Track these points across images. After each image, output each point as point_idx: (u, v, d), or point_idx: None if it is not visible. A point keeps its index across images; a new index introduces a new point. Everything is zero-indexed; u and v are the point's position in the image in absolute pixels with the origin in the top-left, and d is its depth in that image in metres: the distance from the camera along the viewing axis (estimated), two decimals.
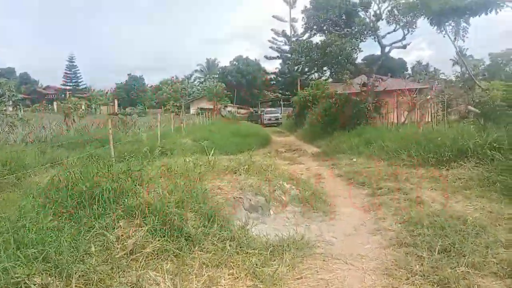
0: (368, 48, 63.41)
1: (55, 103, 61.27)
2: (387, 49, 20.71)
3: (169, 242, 4.08)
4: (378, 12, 20.30)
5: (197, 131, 23.33)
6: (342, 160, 12.09)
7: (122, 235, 3.99)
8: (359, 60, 22.71)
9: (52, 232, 3.86)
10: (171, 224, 4.25)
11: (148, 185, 5.53)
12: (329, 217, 5.92)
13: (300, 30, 44.03)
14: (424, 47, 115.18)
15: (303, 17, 21.01)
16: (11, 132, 19.80)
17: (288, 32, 55.42)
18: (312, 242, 4.80)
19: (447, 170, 8.64)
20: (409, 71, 78.68)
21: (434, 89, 20.12)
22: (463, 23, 13.57)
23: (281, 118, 45.81)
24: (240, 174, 7.45)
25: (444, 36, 13.99)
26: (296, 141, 25.63)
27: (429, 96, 16.00)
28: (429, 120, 15.84)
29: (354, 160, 11.94)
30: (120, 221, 4.31)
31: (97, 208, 4.52)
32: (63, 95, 69.53)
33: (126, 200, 4.68)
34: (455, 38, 13.65)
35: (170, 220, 4.28)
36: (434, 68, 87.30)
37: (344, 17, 20.44)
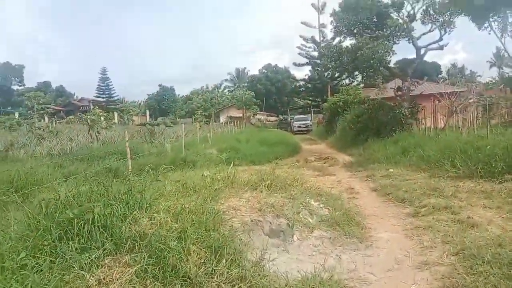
0: (402, 51, 61.31)
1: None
2: (422, 51, 19.48)
3: (162, 286, 3.30)
4: (411, 12, 19.12)
5: (224, 140, 22.70)
6: (377, 171, 11.03)
7: (104, 278, 3.24)
8: (391, 64, 21.44)
9: (19, 274, 3.17)
10: (166, 262, 3.47)
11: (151, 209, 4.80)
12: (364, 244, 4.98)
13: (329, 35, 42.80)
14: (459, 49, 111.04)
15: (332, 21, 20.05)
16: (38, 144, 19.88)
17: (317, 38, 54.20)
18: (343, 281, 3.90)
19: (500, 183, 7.52)
20: (444, 74, 75.88)
21: (472, 92, 18.69)
22: (511, 18, 12.27)
23: (311, 125, 44.69)
24: (261, 191, 6.62)
25: (489, 33, 12.73)
26: (326, 149, 24.54)
27: (471, 99, 14.66)
28: (470, 125, 14.53)
29: (391, 170, 10.86)
30: (107, 257, 3.57)
31: (85, 240, 3.80)
32: (96, 107, 71.14)
33: (118, 230, 3.94)
34: (502, 35, 12.38)
35: (166, 258, 3.49)
36: (470, 70, 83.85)
37: (375, 19, 19.36)
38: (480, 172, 8.15)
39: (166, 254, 3.52)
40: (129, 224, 4.16)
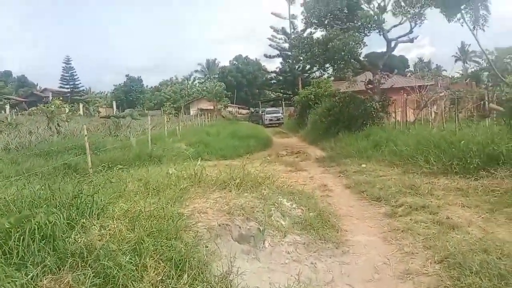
0: (372, 44, 61.80)
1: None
2: (393, 43, 19.41)
3: None
4: (382, 4, 18.99)
5: (193, 133, 22.08)
6: (349, 166, 10.78)
7: None
8: (362, 57, 21.33)
9: None
10: (116, 283, 2.96)
11: (104, 214, 4.25)
12: (341, 250, 4.61)
13: (300, 26, 42.67)
14: (425, 43, 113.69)
15: (302, 11, 19.69)
16: None
17: (287, 29, 53.94)
18: None
19: (475, 180, 7.35)
20: (411, 68, 77.40)
21: (439, 86, 18.91)
22: (483, 11, 12.22)
23: (282, 118, 44.48)
24: (230, 191, 6.16)
25: (461, 25, 12.64)
26: (298, 142, 24.32)
27: (442, 93, 14.67)
28: (440, 119, 14.53)
29: (364, 166, 10.63)
30: (47, 276, 3.02)
31: (23, 255, 3.23)
32: (60, 98, 68.48)
33: (62, 242, 3.38)
34: (474, 27, 12.31)
35: (115, 277, 2.98)
36: (436, 64, 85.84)
37: (346, 10, 19.10)
38: (455, 168, 7.98)
39: (116, 273, 3.00)
40: (76, 235, 3.61)
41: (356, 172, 9.81)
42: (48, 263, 3.12)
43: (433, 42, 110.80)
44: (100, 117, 25.02)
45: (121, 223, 4.14)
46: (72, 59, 70.75)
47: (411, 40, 19.57)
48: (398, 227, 5.22)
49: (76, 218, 3.95)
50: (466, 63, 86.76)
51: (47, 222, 3.51)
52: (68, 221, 3.82)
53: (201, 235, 4.47)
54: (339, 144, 15.62)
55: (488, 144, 7.79)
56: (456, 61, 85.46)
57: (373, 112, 17.41)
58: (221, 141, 19.24)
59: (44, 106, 15.37)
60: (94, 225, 3.88)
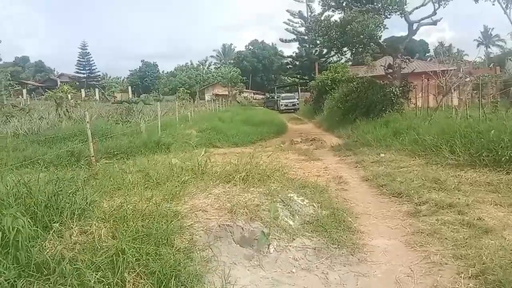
0: (392, 27, 59.81)
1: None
2: (415, 26, 18.38)
3: None
4: None
5: (206, 119, 21.55)
6: (367, 156, 10.11)
7: None
8: (381, 41, 20.33)
9: None
10: None
11: (85, 216, 3.75)
12: (357, 257, 4.02)
13: (317, 9, 41.43)
14: (446, 27, 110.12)
15: None
16: (5, 123, 18.45)
17: (304, 13, 52.58)
18: None
19: (507, 173, 6.63)
20: (431, 52, 75.16)
21: (462, 71, 17.90)
22: None
23: (298, 103, 43.62)
24: (236, 184, 5.61)
25: (493, 4, 11.70)
26: (314, 129, 23.63)
27: (468, 78, 13.76)
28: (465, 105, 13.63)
29: (382, 155, 9.95)
30: None
31: None
32: (77, 83, 68.74)
33: (26, 252, 2.88)
34: (506, 5, 11.35)
35: None
36: (457, 49, 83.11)
37: None
38: (484, 160, 7.25)
39: None
40: (49, 242, 3.11)
41: (374, 163, 9.15)
42: (9, 278, 2.62)
43: (453, 26, 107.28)
44: (113, 103, 24.63)
45: (104, 225, 3.64)
46: (88, 44, 70.83)
47: (435, 23, 18.51)
48: (423, 229, 4.59)
49: (54, 221, 3.47)
50: (489, 47, 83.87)
51: (11, 228, 3.01)
52: (44, 225, 3.34)
53: (197, 239, 3.95)
54: (357, 132, 14.89)
55: None
56: (478, 45, 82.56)
57: (393, 98, 16.55)
58: (234, 128, 18.69)
59: (52, 91, 14.98)
60: (72, 229, 3.38)
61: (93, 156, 8.97)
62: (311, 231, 4.55)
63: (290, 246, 4.15)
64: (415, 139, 10.23)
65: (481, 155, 7.41)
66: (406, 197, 5.94)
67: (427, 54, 70.03)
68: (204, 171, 6.28)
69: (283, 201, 5.17)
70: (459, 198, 5.66)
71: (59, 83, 56.96)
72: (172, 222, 4.08)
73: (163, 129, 15.31)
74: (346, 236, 4.45)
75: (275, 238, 4.22)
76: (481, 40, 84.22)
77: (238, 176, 5.75)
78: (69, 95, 16.13)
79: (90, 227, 3.51)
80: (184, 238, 3.91)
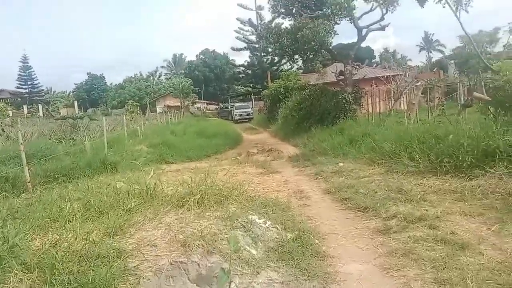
0: (340, 35, 61.04)
1: (9, 107, 56.83)
2: (364, 31, 18.60)
3: None
4: None
5: (157, 133, 20.63)
6: (326, 166, 9.83)
7: None
8: (331, 47, 20.45)
9: None
10: None
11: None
12: None
13: (267, 17, 41.63)
14: (389, 34, 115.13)
15: (269, 0, 18.57)
16: None
17: (254, 21, 52.67)
18: None
19: (470, 179, 6.50)
20: (377, 59, 78.05)
21: (407, 75, 18.38)
22: None
23: (252, 113, 43.40)
24: (189, 209, 5.03)
25: (443, 7, 11.91)
26: (269, 138, 23.36)
27: (419, 82, 13.97)
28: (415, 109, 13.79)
29: (341, 165, 9.70)
30: None
31: None
32: (18, 99, 64.78)
33: None
34: (456, 8, 11.60)
35: None
36: (401, 54, 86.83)
37: None
38: (445, 166, 7.11)
39: None
40: None
41: (334, 173, 8.86)
42: None
43: (397, 32, 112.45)
44: (56, 119, 23.12)
45: (27, 277, 2.95)
46: (30, 58, 67.09)
47: (383, 28, 18.81)
48: (396, 249, 4.23)
49: None
50: (431, 52, 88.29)
51: None
52: None
53: (145, 283, 3.34)
54: (312, 140, 14.71)
55: (482, 138, 6.95)
56: (420, 50, 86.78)
57: (345, 105, 16.56)
58: (187, 141, 17.98)
59: None
60: None
61: (29, 182, 8.03)
62: (277, 260, 4.06)
63: (255, 282, 3.64)
64: (372, 146, 10.08)
65: (442, 161, 7.27)
66: (372, 211, 5.61)
67: (373, 61, 72.59)
68: (154, 195, 5.63)
69: (243, 226, 4.65)
70: (427, 210, 5.40)
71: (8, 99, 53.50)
72: (114, 265, 3.45)
73: (110, 146, 14.32)
74: (316, 264, 4.00)
75: (237, 274, 3.69)
76: (422, 45, 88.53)
77: (192, 200, 5.17)
78: (10, 112, 14.74)
79: (7, 283, 2.81)
80: (129, 284, 3.29)
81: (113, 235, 4.22)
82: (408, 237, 4.54)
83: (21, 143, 8.13)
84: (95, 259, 3.52)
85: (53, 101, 58.26)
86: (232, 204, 5.49)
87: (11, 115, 51.51)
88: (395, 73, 18.93)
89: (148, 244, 3.98)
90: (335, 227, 5.25)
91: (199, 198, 5.23)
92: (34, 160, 10.51)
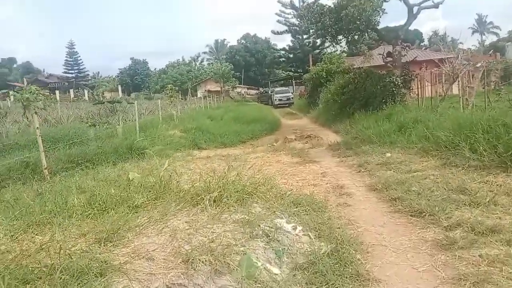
0: (390, 14, 58.07)
1: (57, 91, 58.73)
2: (415, 10, 16.92)
3: None
4: None
5: (194, 118, 20.08)
6: (371, 156, 8.72)
7: None
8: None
9: None
10: None
11: None
12: None
13: None
14: (438, 16, 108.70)
15: None
16: None
17: (296, 3, 50.90)
18: None
19: None
20: (426, 42, 74.10)
21: (460, 58, 16.59)
22: None
23: (292, 98, 42.10)
24: (204, 209, 4.20)
25: None
26: (309, 124, 22.23)
27: (479, 64, 12.38)
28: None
29: (389, 155, 8.57)
30: None
31: None
32: (66, 83, 66.90)
33: None
34: None
35: None
36: (452, 37, 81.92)
37: None
38: None
39: None
40: None
41: (380, 165, 7.75)
42: None
43: (446, 15, 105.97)
44: (94, 103, 23.11)
45: None
46: (76, 44, 68.88)
47: (436, 5, 17.01)
48: (465, 275, 3.19)
49: None
50: (484, 35, 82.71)
51: None
52: None
53: None
54: (356, 127, 13.48)
55: None
56: (473, 33, 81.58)
57: (393, 89, 15.13)
58: (223, 126, 17.23)
59: (18, 93, 13.50)
60: None
61: (45, 168, 7.53)
62: (306, 283, 3.14)
63: None
64: (425, 135, 8.85)
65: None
66: (429, 217, 4.53)
67: (421, 44, 68.96)
68: (166, 189, 4.85)
69: (267, 234, 3.76)
70: (500, 218, 4.27)
71: (27, 84, 55.28)
72: (94, 286, 2.68)
73: (143, 131, 13.87)
74: None
75: None
76: (476, 28, 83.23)
77: (208, 198, 4.33)
78: (42, 96, 14.59)
79: None
80: None
81: (106, 241, 3.47)
82: (479, 256, 3.47)
83: (37, 128, 7.61)
84: (72, 277, 2.76)
85: (98, 85, 59.40)
86: (257, 203, 4.61)
87: (58, 99, 53.20)
88: (447, 56, 17.23)
89: (143, 257, 3.18)
90: (382, 237, 4.24)
91: (216, 196, 4.38)
92: (59, 145, 10.14)
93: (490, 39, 73.05)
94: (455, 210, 4.62)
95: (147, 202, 4.52)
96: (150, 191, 4.86)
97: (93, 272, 2.84)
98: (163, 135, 13.71)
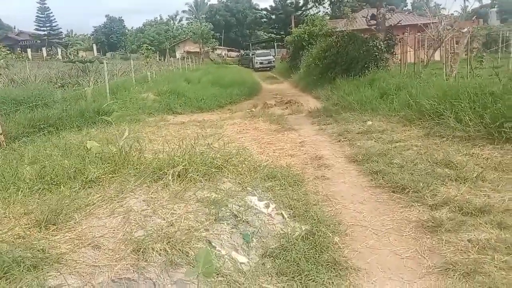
0: None
1: (28, 49, 56.01)
2: None
3: None
4: None
5: (170, 80, 19.23)
6: (351, 124, 8.35)
7: None
8: None
9: None
10: None
11: None
12: None
13: None
14: None
15: None
16: None
17: None
18: None
19: None
20: (409, 6, 73.17)
21: (443, 24, 16.16)
22: None
23: (274, 61, 41.09)
24: (166, 185, 3.75)
25: None
26: (290, 88, 21.68)
27: (465, 29, 11.94)
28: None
29: (370, 123, 8.22)
30: None
31: None
32: (38, 41, 63.75)
33: None
34: None
35: None
36: (435, 3, 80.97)
37: None
38: (505, 132, 5.57)
39: None
40: None
41: (361, 134, 7.40)
42: None
43: None
44: (64, 62, 21.92)
45: None
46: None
47: None
48: (454, 263, 2.87)
49: None
50: (467, 0, 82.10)
51: None
52: None
53: None
54: (337, 92, 13.04)
55: None
56: None
57: (376, 53, 14.66)
58: (201, 90, 16.51)
59: None
60: None
61: (1, 134, 6.89)
62: (276, 274, 2.77)
63: None
64: (408, 102, 8.51)
65: (501, 125, 5.72)
66: (413, 193, 4.19)
67: (405, 8, 68.01)
68: (127, 162, 4.36)
69: (235, 214, 3.34)
70: (488, 196, 3.97)
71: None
72: (26, 280, 2.24)
73: (114, 93, 13.12)
74: (333, 282, 2.69)
75: None
76: None
77: (171, 172, 3.87)
78: (29, 55, 13.54)
79: None
80: None
81: (48, 224, 3.00)
82: (468, 241, 3.16)
83: None
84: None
85: (72, 44, 56.77)
86: (227, 177, 4.18)
87: (30, 58, 50.76)
88: (431, 21, 16.74)
89: (89, 244, 2.73)
90: (362, 216, 3.88)
91: (181, 170, 3.93)
92: (21, 108, 9.40)
93: (472, 5, 72.56)
94: (441, 186, 4.30)
95: (103, 176, 4.03)
96: (108, 163, 4.36)
97: (25, 265, 2.39)
98: (136, 98, 13.01)
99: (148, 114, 11.52)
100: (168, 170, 3.89)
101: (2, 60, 12.69)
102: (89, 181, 3.97)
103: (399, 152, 5.80)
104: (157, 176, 3.91)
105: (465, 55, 12.46)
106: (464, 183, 4.34)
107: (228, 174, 4.25)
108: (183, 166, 3.96)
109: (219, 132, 8.63)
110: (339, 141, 7.19)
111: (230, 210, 3.34)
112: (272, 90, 20.94)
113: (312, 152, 6.49)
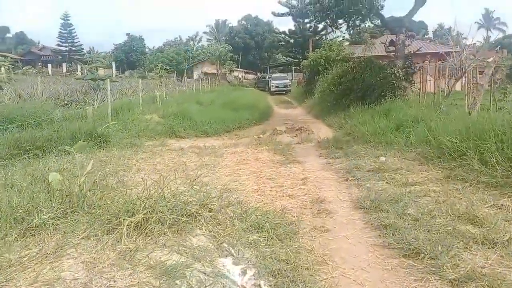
0: (394, 4, 56.21)
1: (49, 65, 57.00)
2: None
3: None
4: None
5: (179, 101, 18.78)
6: (362, 160, 7.55)
7: None
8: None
9: None
10: None
11: None
12: None
13: None
14: (444, 10, 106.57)
15: None
16: None
17: None
18: None
19: None
20: (430, 35, 72.45)
21: (466, 53, 15.38)
22: None
23: (290, 85, 40.58)
24: (120, 239, 3.02)
25: None
26: (303, 114, 21.00)
27: (490, 59, 11.14)
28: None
29: (383, 159, 7.42)
30: None
31: None
32: (59, 57, 64.98)
33: None
34: None
35: None
36: (457, 31, 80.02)
37: None
38: None
39: None
40: None
41: (372, 172, 6.59)
42: None
43: (452, 8, 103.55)
44: (76, 79, 21.76)
45: None
46: (71, 15, 66.59)
47: None
48: None
49: None
50: (490, 30, 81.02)
51: None
52: None
53: None
54: (350, 121, 12.30)
55: None
56: (479, 28, 79.90)
57: (394, 81, 13.89)
58: (210, 112, 15.89)
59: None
60: None
61: None
62: None
63: None
64: (426, 137, 7.70)
65: None
66: (429, 261, 3.36)
67: (426, 37, 67.38)
68: (82, 202, 3.66)
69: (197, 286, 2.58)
70: None
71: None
72: None
73: (117, 113, 12.62)
74: None
75: None
76: (482, 23, 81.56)
77: (127, 223, 3.14)
78: (2, 69, 13.23)
79: None
80: None
81: None
82: None
83: None
84: None
85: (91, 61, 57.57)
86: (201, 228, 3.44)
87: (50, 73, 51.53)
88: (453, 50, 15.97)
89: None
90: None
91: (141, 220, 3.20)
92: (10, 126, 8.91)
93: (495, 35, 71.26)
94: (464, 251, 3.47)
95: (50, 221, 3.34)
96: (64, 203, 3.67)
97: None
98: (138, 120, 12.47)
99: (148, 137, 10.93)
100: (124, 220, 3.17)
101: (4, 75, 12.32)
102: (34, 227, 3.28)
103: (414, 198, 4.97)
104: (111, 226, 3.20)
105: (488, 86, 11.65)
106: (493, 247, 3.50)
107: (204, 224, 3.51)
108: (143, 214, 3.24)
109: (217, 162, 7.96)
110: (347, 179, 6.38)
111: (188, 283, 2.59)
112: (284, 115, 20.29)
113: (314, 192, 5.69)
